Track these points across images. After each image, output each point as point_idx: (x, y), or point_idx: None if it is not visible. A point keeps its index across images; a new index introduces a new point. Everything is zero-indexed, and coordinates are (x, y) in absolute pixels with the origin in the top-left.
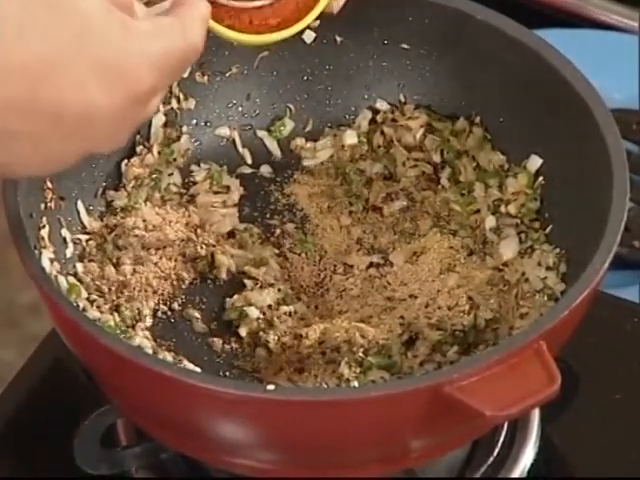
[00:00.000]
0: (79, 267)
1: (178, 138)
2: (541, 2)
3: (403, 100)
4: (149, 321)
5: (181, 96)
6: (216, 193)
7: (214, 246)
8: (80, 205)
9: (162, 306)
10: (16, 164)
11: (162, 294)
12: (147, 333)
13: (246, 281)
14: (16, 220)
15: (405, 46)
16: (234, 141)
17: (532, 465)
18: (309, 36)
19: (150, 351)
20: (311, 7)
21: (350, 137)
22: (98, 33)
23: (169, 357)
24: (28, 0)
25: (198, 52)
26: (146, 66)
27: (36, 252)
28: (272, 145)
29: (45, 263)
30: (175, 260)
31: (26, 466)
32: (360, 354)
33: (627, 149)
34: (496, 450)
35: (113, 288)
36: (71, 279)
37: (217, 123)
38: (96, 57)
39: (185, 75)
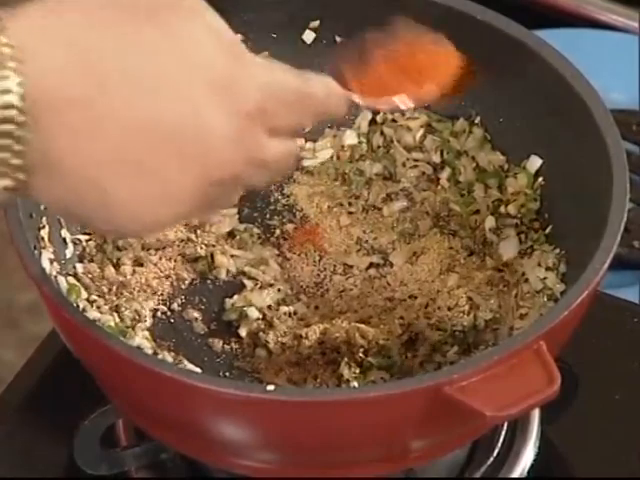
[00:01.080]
0: (79, 267)
1: None
2: (541, 2)
3: None
4: (149, 321)
5: None
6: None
7: (214, 246)
8: None
9: (162, 306)
10: (142, 211)
11: (162, 294)
12: (147, 333)
13: (246, 281)
14: (16, 220)
15: None
16: None
17: (532, 465)
18: (309, 36)
19: (150, 351)
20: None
21: (350, 137)
22: (208, 57)
23: (169, 357)
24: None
25: (314, 98)
26: (254, 86)
27: (36, 252)
28: None
29: (45, 263)
30: (175, 260)
31: (26, 466)
32: (360, 354)
33: (627, 150)
34: (496, 450)
35: (113, 288)
36: (71, 279)
37: None
38: (207, 79)
39: None
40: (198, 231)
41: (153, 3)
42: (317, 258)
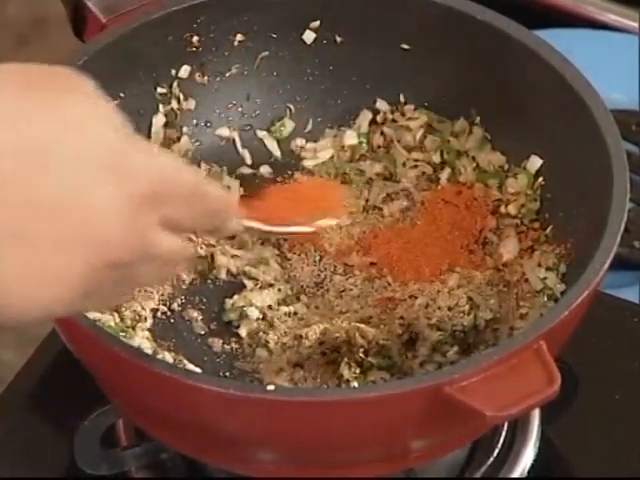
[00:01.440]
0: None
1: (178, 139)
2: (541, 2)
3: (403, 100)
4: (149, 321)
5: (181, 96)
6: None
7: (214, 246)
8: None
9: (162, 306)
10: (26, 289)
11: (162, 294)
12: (147, 333)
13: (246, 281)
14: None
15: (405, 46)
16: (234, 141)
17: (532, 465)
18: (309, 36)
19: (150, 351)
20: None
21: (350, 137)
22: (99, 137)
23: (169, 357)
24: None
25: (207, 200)
26: (145, 170)
27: None
28: (272, 145)
29: None
30: None
31: (26, 466)
32: (360, 354)
33: (627, 150)
34: (496, 450)
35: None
36: None
37: (217, 123)
38: (96, 157)
39: (185, 76)
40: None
41: (49, 84)
42: (317, 258)
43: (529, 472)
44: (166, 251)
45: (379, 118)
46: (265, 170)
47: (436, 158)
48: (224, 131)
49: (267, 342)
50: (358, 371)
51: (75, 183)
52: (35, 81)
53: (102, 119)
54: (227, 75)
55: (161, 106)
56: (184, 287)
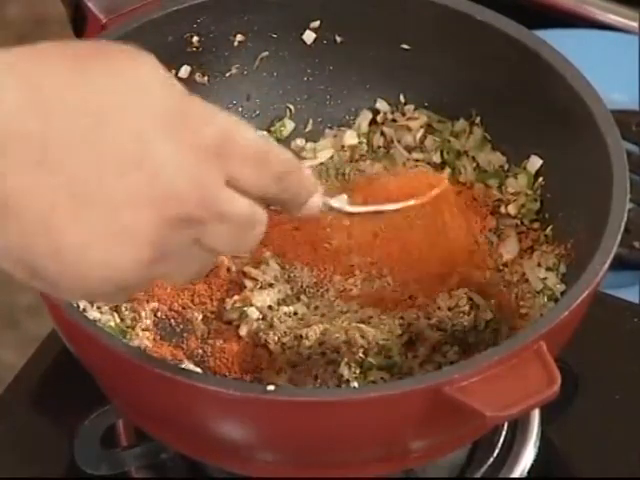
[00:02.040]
0: None
1: None
2: (541, 2)
3: (403, 100)
4: (149, 321)
5: None
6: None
7: None
8: None
9: (162, 306)
10: (95, 255)
11: (162, 294)
12: (147, 333)
13: (246, 281)
14: None
15: (405, 46)
16: None
17: (532, 465)
18: (309, 36)
19: (150, 352)
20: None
21: (350, 137)
22: (159, 94)
23: (169, 358)
24: None
25: (273, 163)
26: (209, 124)
27: None
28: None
29: None
30: None
31: (26, 466)
32: (360, 355)
33: (627, 150)
34: (496, 450)
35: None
36: None
37: None
38: (156, 112)
39: (185, 76)
40: None
41: (103, 47)
42: (317, 258)
43: (529, 472)
44: (237, 212)
45: (379, 118)
46: None
47: (436, 158)
48: None
49: (267, 342)
50: (358, 371)
51: (138, 139)
52: (84, 52)
53: (162, 80)
54: (227, 75)
55: None
56: (184, 287)
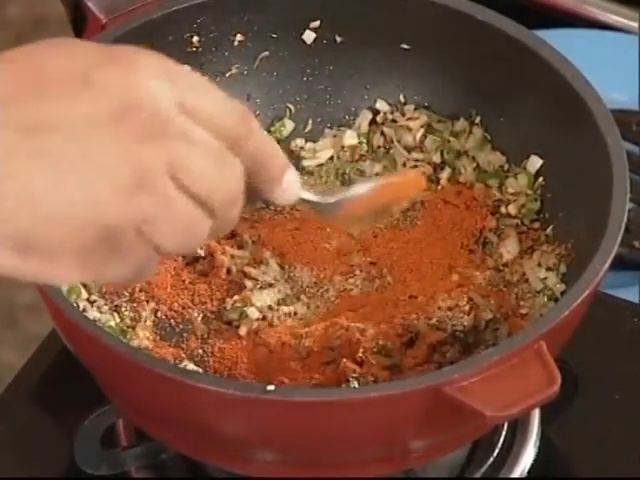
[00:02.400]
0: None
1: None
2: (541, 2)
3: (403, 100)
4: (149, 321)
5: None
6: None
7: (214, 246)
8: None
9: (162, 306)
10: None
11: (162, 294)
12: (147, 333)
13: (246, 281)
14: None
15: (405, 46)
16: None
17: (532, 465)
18: (309, 36)
19: (150, 352)
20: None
21: (350, 138)
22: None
23: (169, 357)
24: None
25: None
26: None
27: None
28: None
29: None
30: (175, 260)
31: (26, 466)
32: (360, 354)
33: (627, 149)
34: (496, 450)
35: (113, 289)
36: None
37: None
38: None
39: None
40: None
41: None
42: (317, 258)
43: (529, 472)
44: (200, 134)
45: (379, 118)
46: None
47: (436, 158)
48: None
49: (267, 342)
50: (358, 371)
51: (77, 67)
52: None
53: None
54: (227, 75)
55: None
56: (184, 287)
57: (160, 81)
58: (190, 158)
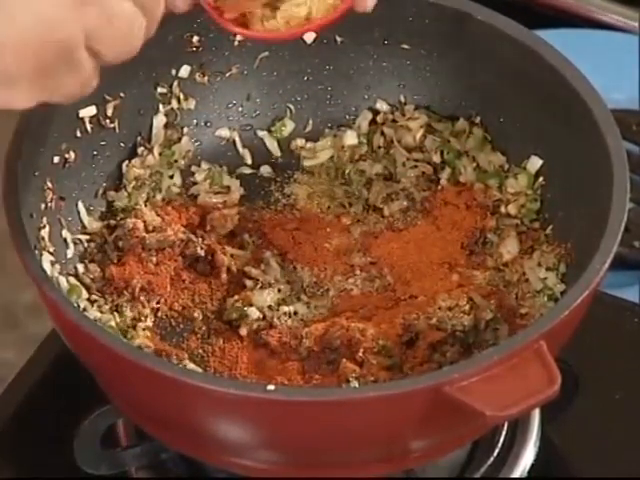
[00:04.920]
0: (80, 268)
1: (179, 140)
2: (541, 2)
3: (403, 101)
4: (150, 321)
5: (181, 96)
6: (216, 193)
7: (214, 246)
8: (80, 205)
9: (162, 306)
10: None
11: (162, 294)
12: (147, 333)
13: (246, 281)
14: (16, 220)
15: (405, 46)
16: (234, 141)
17: (532, 465)
18: (309, 36)
19: (151, 351)
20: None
21: (350, 138)
22: None
23: (170, 357)
24: None
25: None
26: None
27: (36, 252)
28: (272, 145)
29: (45, 264)
30: (175, 260)
31: (26, 466)
32: (360, 354)
33: (627, 149)
34: (496, 450)
35: (114, 289)
36: (72, 280)
37: (217, 123)
38: None
39: (185, 76)
40: (198, 231)
41: None
42: (317, 258)
43: (529, 472)
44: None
45: (379, 118)
46: (265, 170)
47: (436, 158)
48: (224, 131)
49: (267, 342)
50: (358, 371)
51: None
52: None
53: None
54: (227, 75)
55: (161, 106)
56: (184, 287)
57: None
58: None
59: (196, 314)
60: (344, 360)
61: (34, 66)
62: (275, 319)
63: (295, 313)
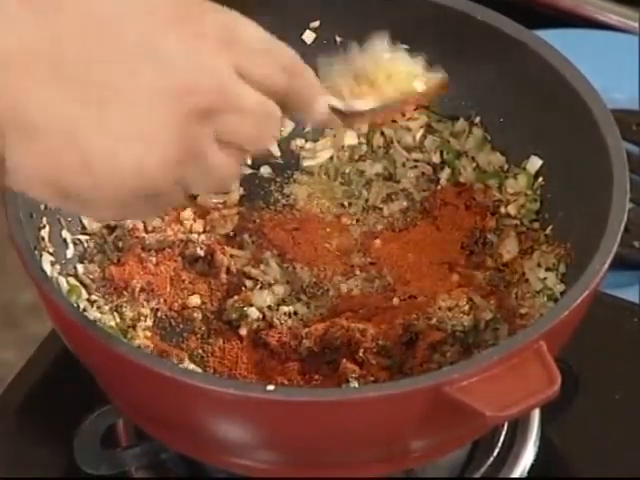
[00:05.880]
0: (80, 268)
1: None
2: (541, 2)
3: None
4: (149, 321)
5: None
6: (216, 194)
7: (214, 246)
8: None
9: (162, 306)
10: (124, 158)
11: (162, 294)
12: (147, 333)
13: (246, 281)
14: (16, 220)
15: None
16: None
17: (532, 465)
18: (309, 36)
19: (150, 351)
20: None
21: (350, 138)
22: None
23: (170, 358)
24: None
25: (280, 56)
26: (214, 20)
27: (36, 253)
28: (272, 145)
29: (45, 264)
30: (175, 261)
31: (26, 466)
32: (360, 354)
33: (627, 150)
34: (496, 450)
35: (114, 289)
36: (71, 280)
37: None
38: (164, 13)
39: None
40: (198, 231)
41: None
42: (317, 258)
43: (529, 472)
44: (252, 100)
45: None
46: (265, 170)
47: (436, 158)
48: None
49: (267, 342)
50: (358, 371)
51: (144, 37)
52: None
53: None
54: None
55: None
56: (184, 287)
57: (221, 52)
58: (238, 127)
59: (195, 314)
60: (344, 360)
61: (117, 202)
62: (275, 319)
63: (295, 313)
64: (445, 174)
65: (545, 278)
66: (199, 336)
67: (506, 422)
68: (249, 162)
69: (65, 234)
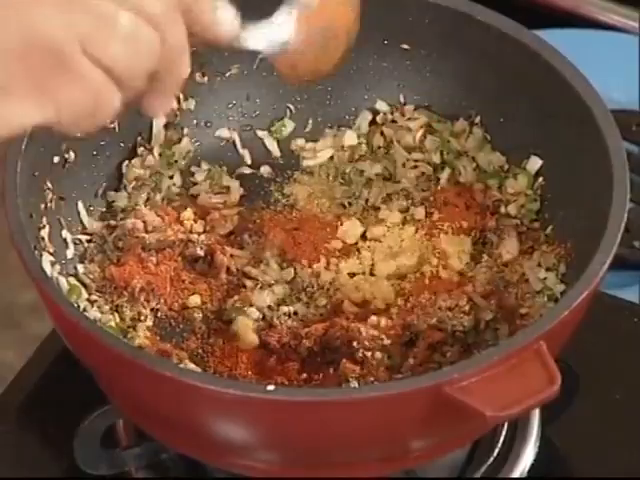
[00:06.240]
0: (80, 268)
1: (179, 140)
2: (541, 2)
3: (403, 101)
4: (149, 321)
5: (181, 96)
6: (216, 194)
7: (214, 246)
8: (80, 206)
9: (162, 306)
10: None
11: (162, 294)
12: (147, 333)
13: (246, 281)
14: (16, 221)
15: (405, 46)
16: (234, 142)
17: (532, 465)
18: None
19: (150, 351)
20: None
21: (350, 138)
22: None
23: (170, 357)
24: None
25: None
26: None
27: (36, 253)
28: (272, 145)
29: (45, 264)
30: (175, 261)
31: (26, 466)
32: (360, 354)
33: (627, 150)
34: (496, 450)
35: (114, 289)
36: (72, 280)
37: (217, 123)
38: None
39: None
40: (198, 231)
41: None
42: (317, 258)
43: (529, 472)
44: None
45: (379, 118)
46: (265, 170)
47: (436, 158)
48: (224, 131)
49: (267, 342)
50: (358, 371)
51: None
52: None
53: None
54: (227, 75)
55: None
56: (184, 287)
57: None
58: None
59: (195, 314)
60: (344, 360)
61: (23, 72)
62: (275, 319)
63: (295, 313)
64: (445, 174)
65: (545, 278)
66: (199, 336)
67: (506, 422)
68: (249, 162)
69: (65, 234)
